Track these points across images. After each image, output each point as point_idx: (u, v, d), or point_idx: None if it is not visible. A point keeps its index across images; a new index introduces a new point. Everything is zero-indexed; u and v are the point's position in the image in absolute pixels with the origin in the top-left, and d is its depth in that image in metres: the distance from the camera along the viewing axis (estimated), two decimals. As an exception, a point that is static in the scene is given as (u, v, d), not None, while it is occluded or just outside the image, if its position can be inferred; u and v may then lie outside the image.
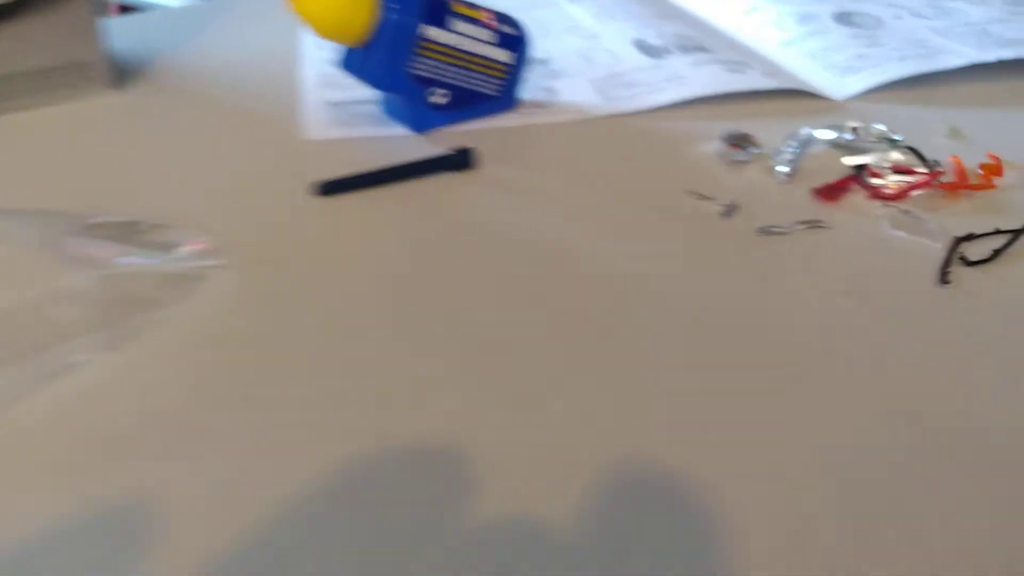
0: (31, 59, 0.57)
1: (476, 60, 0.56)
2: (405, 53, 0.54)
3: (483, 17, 0.56)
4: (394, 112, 0.58)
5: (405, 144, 0.56)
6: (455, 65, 0.56)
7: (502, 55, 0.58)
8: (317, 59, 0.68)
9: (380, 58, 0.53)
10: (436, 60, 0.55)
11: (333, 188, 0.49)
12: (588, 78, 0.65)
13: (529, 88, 0.64)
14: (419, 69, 0.55)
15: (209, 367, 0.35)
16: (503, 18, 0.58)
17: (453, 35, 0.55)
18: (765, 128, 0.57)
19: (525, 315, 0.39)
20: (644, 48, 0.69)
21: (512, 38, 0.58)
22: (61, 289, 0.38)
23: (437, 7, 0.54)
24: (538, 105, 0.61)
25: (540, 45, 0.72)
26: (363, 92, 0.59)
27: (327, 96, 0.63)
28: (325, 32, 0.52)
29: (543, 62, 0.69)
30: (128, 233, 0.44)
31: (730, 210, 0.47)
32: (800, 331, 0.38)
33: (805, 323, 0.39)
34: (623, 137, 0.57)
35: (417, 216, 0.47)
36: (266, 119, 0.59)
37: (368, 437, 0.32)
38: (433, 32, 0.54)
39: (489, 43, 0.57)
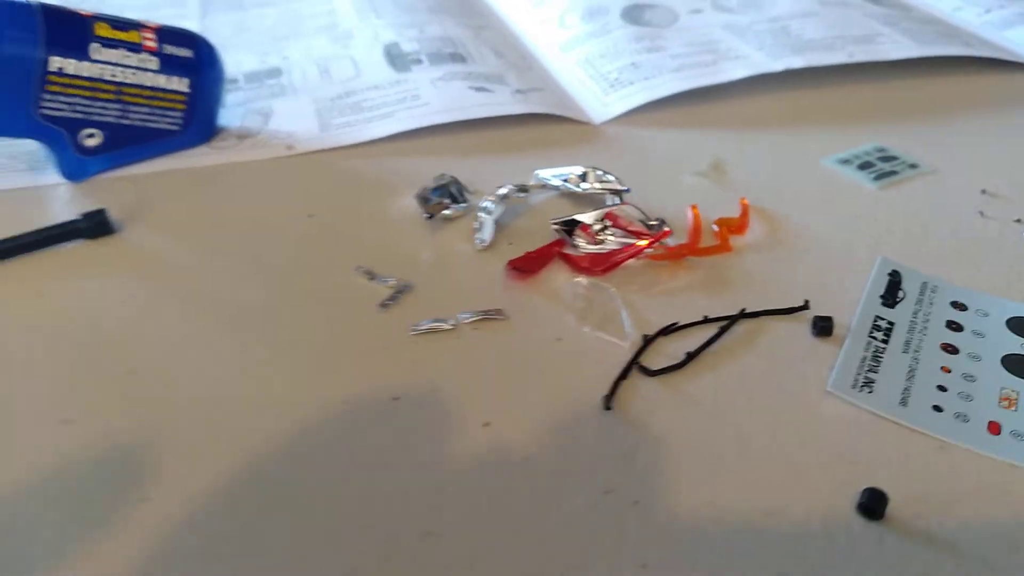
0: None
1: (134, 92, 0.46)
2: (26, 92, 0.43)
3: (139, 39, 0.46)
4: (50, 155, 0.48)
5: (53, 197, 0.46)
6: (106, 100, 0.45)
7: (174, 83, 0.47)
8: None
9: (-12, 100, 0.43)
10: (77, 96, 0.45)
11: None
12: (315, 98, 0.55)
13: (239, 111, 0.54)
14: (54, 109, 0.44)
15: None
16: (173, 37, 0.47)
17: (96, 65, 0.44)
18: (501, 166, 0.48)
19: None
20: (393, 57, 0.59)
21: (185, 61, 0.47)
22: None
23: (70, 32, 0.44)
24: (243, 135, 0.51)
25: (279, 50, 0.62)
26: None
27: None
28: None
29: (274, 74, 0.58)
30: None
31: (395, 296, 0.38)
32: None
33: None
34: (320, 184, 0.47)
35: (14, 310, 0.38)
36: None
37: None
38: (67, 64, 0.44)
39: (151, 71, 0.46)
